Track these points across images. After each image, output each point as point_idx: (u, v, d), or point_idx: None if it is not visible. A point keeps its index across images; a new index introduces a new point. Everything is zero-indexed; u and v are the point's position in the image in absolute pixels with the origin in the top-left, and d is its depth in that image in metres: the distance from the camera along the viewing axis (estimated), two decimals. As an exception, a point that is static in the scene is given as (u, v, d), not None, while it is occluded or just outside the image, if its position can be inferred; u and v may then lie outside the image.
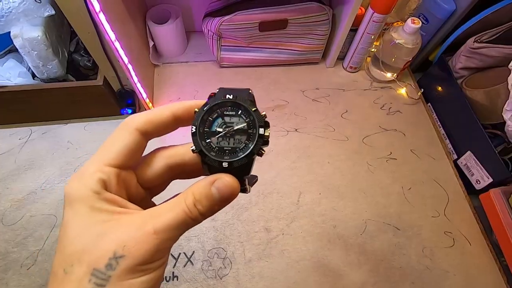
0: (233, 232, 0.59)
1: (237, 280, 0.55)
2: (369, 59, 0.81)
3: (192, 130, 0.19)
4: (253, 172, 0.20)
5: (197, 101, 0.20)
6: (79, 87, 0.60)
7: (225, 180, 0.18)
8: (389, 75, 0.77)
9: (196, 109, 0.20)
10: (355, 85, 0.81)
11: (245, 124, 0.19)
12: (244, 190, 0.20)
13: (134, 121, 0.19)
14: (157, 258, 0.17)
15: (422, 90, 0.78)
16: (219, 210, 0.18)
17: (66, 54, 0.64)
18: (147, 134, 0.20)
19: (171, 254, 0.57)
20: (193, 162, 0.20)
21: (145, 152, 0.21)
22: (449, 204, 0.65)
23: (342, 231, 0.61)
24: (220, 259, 0.57)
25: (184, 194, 0.18)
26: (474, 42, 0.67)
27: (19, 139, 0.68)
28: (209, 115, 0.19)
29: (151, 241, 0.16)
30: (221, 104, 0.19)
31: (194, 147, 0.19)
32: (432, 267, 0.59)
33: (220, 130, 0.19)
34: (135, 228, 0.16)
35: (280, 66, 0.82)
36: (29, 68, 0.61)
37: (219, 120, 0.19)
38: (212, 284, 0.55)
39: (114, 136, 0.19)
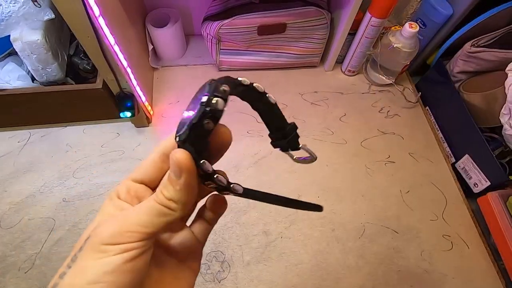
0: (232, 235, 0.59)
1: (236, 283, 0.55)
2: (367, 62, 0.82)
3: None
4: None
5: None
6: (79, 90, 0.61)
7: (173, 155, 0.17)
8: (387, 78, 0.78)
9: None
10: (354, 88, 0.81)
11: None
12: (211, 180, 0.18)
13: (159, 146, 0.22)
14: (118, 240, 0.16)
15: (420, 93, 0.79)
16: (187, 191, 0.18)
17: (65, 58, 0.64)
18: (165, 158, 0.21)
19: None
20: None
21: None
22: (447, 207, 0.65)
23: (340, 234, 0.61)
24: (218, 262, 0.57)
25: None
26: (471, 46, 0.67)
27: (18, 142, 0.68)
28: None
29: (113, 222, 0.17)
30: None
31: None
32: (431, 270, 0.59)
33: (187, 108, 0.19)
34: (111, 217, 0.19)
35: (279, 70, 0.82)
36: (29, 71, 0.61)
37: None
38: (210, 287, 0.54)
39: None
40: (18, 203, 0.60)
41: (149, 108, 0.69)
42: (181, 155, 0.17)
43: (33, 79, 0.63)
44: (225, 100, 0.17)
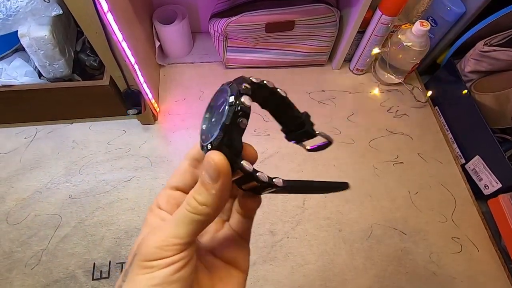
0: (238, 234, 0.59)
1: (242, 283, 0.55)
2: (376, 60, 0.80)
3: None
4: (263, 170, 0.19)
5: None
6: (85, 87, 0.60)
7: (208, 157, 0.17)
8: (396, 77, 0.76)
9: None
10: (362, 87, 0.80)
11: (222, 99, 0.18)
12: (255, 186, 0.18)
13: (188, 153, 0.22)
14: (160, 256, 0.17)
15: (430, 93, 0.77)
16: (222, 195, 0.18)
17: (72, 54, 0.64)
18: (195, 163, 0.22)
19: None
20: None
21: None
22: (457, 209, 0.64)
23: (347, 235, 0.60)
24: (224, 261, 0.56)
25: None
26: (483, 45, 0.66)
27: (25, 138, 0.68)
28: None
29: (153, 238, 0.18)
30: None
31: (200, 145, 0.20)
32: (439, 273, 0.58)
33: (207, 116, 0.20)
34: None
35: (286, 68, 0.81)
36: (36, 67, 0.61)
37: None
38: (216, 287, 0.54)
39: None
40: (25, 199, 0.60)
41: (155, 105, 0.69)
42: (219, 157, 0.17)
43: (40, 75, 0.63)
44: (250, 96, 0.18)
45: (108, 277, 0.54)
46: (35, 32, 0.54)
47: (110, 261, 0.55)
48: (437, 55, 0.80)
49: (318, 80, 0.81)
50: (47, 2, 0.52)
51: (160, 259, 0.17)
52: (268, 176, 0.18)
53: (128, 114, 0.62)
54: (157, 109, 0.71)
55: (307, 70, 0.82)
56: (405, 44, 0.68)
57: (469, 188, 0.67)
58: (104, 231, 0.58)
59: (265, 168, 0.66)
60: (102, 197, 0.62)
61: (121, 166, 0.65)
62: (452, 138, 0.73)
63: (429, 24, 0.65)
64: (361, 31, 0.72)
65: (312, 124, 0.25)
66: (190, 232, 0.18)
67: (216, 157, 0.17)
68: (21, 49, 0.60)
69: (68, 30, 0.63)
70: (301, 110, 0.24)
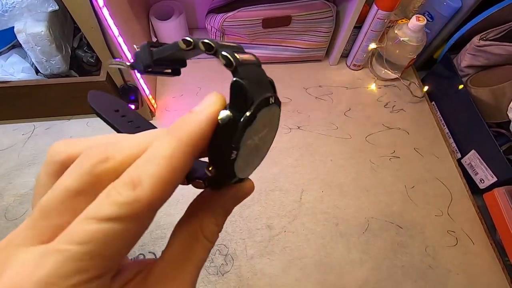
0: (235, 229, 0.59)
1: (239, 277, 0.55)
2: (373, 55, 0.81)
3: (232, 157, 0.13)
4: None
5: (207, 108, 0.13)
6: (82, 83, 0.60)
7: (248, 188, 0.17)
8: (393, 73, 0.77)
9: (224, 117, 0.13)
10: (359, 83, 0.80)
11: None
12: None
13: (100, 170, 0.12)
14: None
15: (426, 88, 0.77)
16: None
17: (69, 50, 0.64)
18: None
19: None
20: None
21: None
22: (453, 203, 0.65)
23: (344, 229, 0.61)
24: (222, 255, 0.57)
25: (197, 229, 0.15)
26: (479, 40, 0.66)
27: (22, 134, 0.68)
28: None
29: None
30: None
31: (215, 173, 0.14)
32: (435, 266, 0.58)
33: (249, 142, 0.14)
34: None
35: (283, 63, 0.81)
36: (33, 63, 0.61)
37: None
38: (213, 280, 0.55)
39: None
40: (23, 195, 0.61)
41: (152, 101, 0.69)
42: (253, 184, 0.17)
43: (37, 71, 0.63)
44: None
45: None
46: (32, 28, 0.54)
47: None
48: (434, 50, 0.81)
49: (315, 76, 0.81)
50: (43, -3, 0.52)
51: None
52: None
53: (125, 110, 0.62)
54: (154, 105, 0.71)
55: (304, 65, 0.82)
56: (401, 39, 0.69)
57: (465, 182, 0.67)
58: (102, 226, 0.58)
59: (262, 164, 0.66)
60: (100, 192, 0.62)
61: (119, 162, 0.65)
62: (449, 133, 0.74)
63: (426, 19, 0.65)
64: (358, 27, 0.72)
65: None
66: None
67: (253, 185, 0.17)
68: (18, 45, 0.60)
69: (65, 26, 0.63)
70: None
